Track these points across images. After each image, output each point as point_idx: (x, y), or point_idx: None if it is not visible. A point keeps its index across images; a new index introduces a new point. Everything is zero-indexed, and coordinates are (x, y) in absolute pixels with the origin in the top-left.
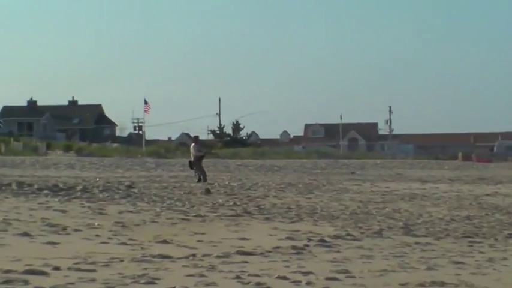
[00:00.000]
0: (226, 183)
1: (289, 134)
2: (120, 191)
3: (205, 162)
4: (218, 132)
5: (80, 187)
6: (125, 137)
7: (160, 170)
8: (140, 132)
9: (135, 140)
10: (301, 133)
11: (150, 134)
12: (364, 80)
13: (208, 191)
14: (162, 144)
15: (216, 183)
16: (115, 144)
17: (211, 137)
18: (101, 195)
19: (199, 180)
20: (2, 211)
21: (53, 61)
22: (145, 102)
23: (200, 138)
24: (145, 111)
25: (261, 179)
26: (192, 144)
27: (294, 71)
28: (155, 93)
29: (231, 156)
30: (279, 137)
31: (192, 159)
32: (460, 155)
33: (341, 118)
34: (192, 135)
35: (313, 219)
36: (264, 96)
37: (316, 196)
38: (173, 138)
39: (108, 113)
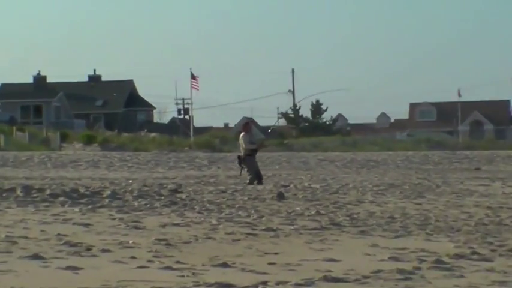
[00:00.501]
0: (306, 184)
1: (388, 117)
2: (162, 197)
3: (276, 156)
4: (292, 115)
5: (107, 192)
6: (165, 124)
7: (215, 168)
8: (187, 117)
9: (179, 127)
10: (405, 115)
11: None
12: (490, 43)
13: (281, 196)
14: (217, 133)
15: (291, 185)
16: (153, 134)
17: (282, 122)
18: (136, 203)
19: (250, 182)
20: (4, 226)
21: (67, 23)
22: (193, 77)
23: (270, 124)
24: (193, 87)
25: (352, 178)
26: (242, 134)
27: (391, 31)
28: (205, 66)
29: (310, 148)
30: (375, 121)
31: (242, 153)
32: None
33: (459, 95)
34: (259, 122)
35: (425, 233)
36: (351, 68)
37: (428, 201)
38: (231, 125)
39: (143, 91)
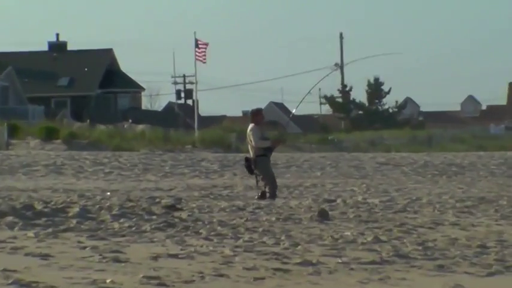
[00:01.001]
0: (360, 199)
1: (478, 103)
2: (154, 217)
3: (316, 158)
4: (340, 99)
5: (75, 210)
6: (159, 112)
7: (229, 175)
8: (189, 101)
9: (179, 117)
10: (501, 100)
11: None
12: None
13: (324, 215)
14: (232, 125)
15: (339, 200)
16: (141, 126)
17: (326, 109)
18: (116, 226)
19: (262, 195)
20: None
21: None
22: (198, 45)
23: (309, 112)
24: (198, 59)
25: (426, 190)
26: (251, 126)
27: None
28: (215, 33)
29: (366, 147)
30: (459, 108)
31: (252, 154)
32: None
33: None
34: (291, 108)
35: None
36: (424, 37)
37: None
38: None
39: (126, 66)
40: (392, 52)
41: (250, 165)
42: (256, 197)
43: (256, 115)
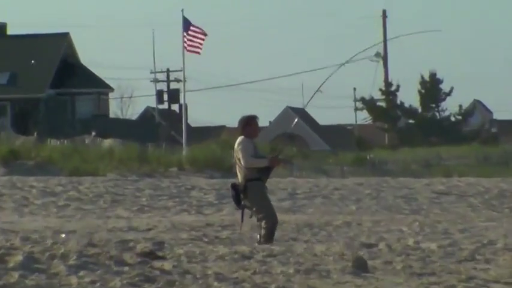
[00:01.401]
0: (410, 243)
1: None
2: (126, 268)
3: (351, 185)
4: (383, 103)
5: (18, 258)
6: (132, 121)
7: (230, 209)
8: (174, 107)
9: (160, 127)
10: None
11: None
12: None
13: (362, 265)
14: (232, 139)
15: (381, 245)
16: (108, 141)
17: (363, 117)
18: (74, 280)
19: (268, 234)
20: None
21: None
22: (187, 27)
23: (340, 122)
24: (188, 49)
25: (502, 230)
26: (240, 139)
27: None
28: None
29: (418, 170)
30: None
31: (240, 179)
32: None
33: None
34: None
35: None
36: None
37: None
38: (263, 123)
39: (87, 57)
40: (432, 29)
41: (237, 194)
42: (258, 241)
43: (247, 125)
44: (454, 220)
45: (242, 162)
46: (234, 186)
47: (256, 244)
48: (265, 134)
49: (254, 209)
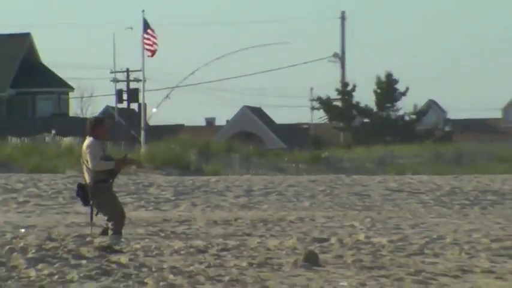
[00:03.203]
0: (361, 237)
1: None
2: (84, 262)
3: (305, 182)
4: (339, 103)
5: None
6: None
7: (187, 205)
8: (133, 106)
9: (119, 126)
10: None
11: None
12: None
13: (313, 259)
14: (192, 138)
15: (333, 239)
16: (67, 139)
17: (319, 115)
18: (33, 273)
19: (104, 232)
20: None
21: None
22: (146, 28)
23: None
24: (147, 48)
25: (451, 226)
26: (89, 141)
27: None
28: (168, 14)
29: (372, 168)
30: (499, 115)
31: (88, 179)
32: None
33: None
34: (273, 116)
35: None
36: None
37: None
38: (220, 122)
39: (48, 56)
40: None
41: (86, 194)
42: (98, 235)
43: (96, 126)
44: (406, 216)
45: (90, 165)
46: (82, 187)
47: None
48: (223, 132)
49: (102, 209)
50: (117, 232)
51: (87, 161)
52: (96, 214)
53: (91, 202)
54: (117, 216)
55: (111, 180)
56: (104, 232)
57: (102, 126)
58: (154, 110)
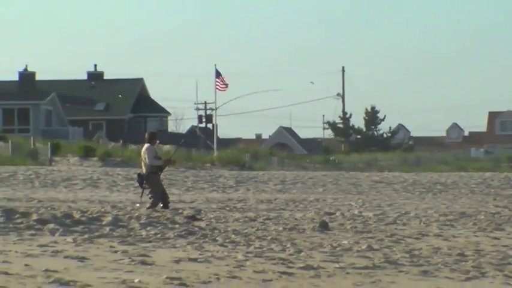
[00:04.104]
0: (356, 212)
1: (462, 130)
2: (177, 226)
3: (319, 176)
4: (341, 125)
5: (108, 218)
6: (182, 135)
7: (243, 190)
8: (209, 125)
9: (200, 139)
10: (482, 128)
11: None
12: None
13: (325, 226)
14: (247, 147)
15: (338, 213)
16: (166, 147)
17: (328, 133)
18: (144, 233)
19: (153, 205)
20: None
21: (63, 9)
22: (218, 75)
23: (314, 136)
24: (218, 88)
25: (414, 205)
26: (146, 146)
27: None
28: (232, 65)
29: (362, 167)
30: (444, 133)
31: (144, 171)
32: None
33: None
34: (299, 133)
35: (503, 275)
36: (415, 69)
37: (508, 235)
38: (265, 136)
39: (155, 93)
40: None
41: (141, 180)
42: (146, 208)
43: (151, 137)
44: (384, 198)
45: (147, 161)
46: (140, 175)
47: (143, 208)
48: (267, 143)
49: (150, 190)
50: (153, 207)
51: (145, 159)
52: (142, 195)
53: (144, 185)
54: (156, 197)
55: (159, 172)
56: (165, 206)
57: (155, 137)
58: (137, 204)
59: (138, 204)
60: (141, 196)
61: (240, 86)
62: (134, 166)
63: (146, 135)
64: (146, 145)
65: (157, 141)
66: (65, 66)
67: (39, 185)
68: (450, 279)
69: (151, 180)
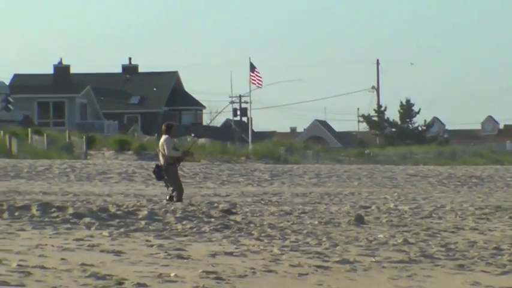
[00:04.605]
0: (391, 206)
1: (496, 123)
2: (212, 220)
3: (354, 169)
4: (376, 118)
5: (144, 212)
6: (217, 128)
7: (278, 184)
8: (244, 119)
9: (235, 132)
10: None
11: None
12: None
13: (360, 219)
14: (282, 140)
15: (373, 207)
16: (202, 140)
17: (363, 126)
18: (179, 227)
19: (170, 199)
20: (15, 252)
21: (95, 1)
22: (253, 68)
23: (348, 129)
24: (252, 82)
25: (449, 199)
26: (164, 137)
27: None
28: (266, 58)
29: (397, 160)
30: (479, 126)
31: (162, 162)
32: None
33: None
34: (334, 126)
35: None
36: (451, 61)
37: None
38: (299, 129)
39: (189, 86)
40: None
41: (160, 172)
42: (165, 200)
43: (169, 128)
44: (419, 192)
45: (166, 152)
46: (158, 166)
47: (164, 202)
48: (302, 136)
49: (171, 183)
50: (179, 200)
51: (164, 150)
52: (167, 187)
53: (164, 177)
54: (179, 189)
55: (177, 164)
56: (170, 199)
57: (173, 128)
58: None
59: (174, 199)
60: (167, 187)
61: (273, 78)
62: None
63: (163, 127)
64: (164, 136)
65: (174, 132)
66: (99, 59)
67: (75, 178)
68: (486, 273)
69: (170, 172)
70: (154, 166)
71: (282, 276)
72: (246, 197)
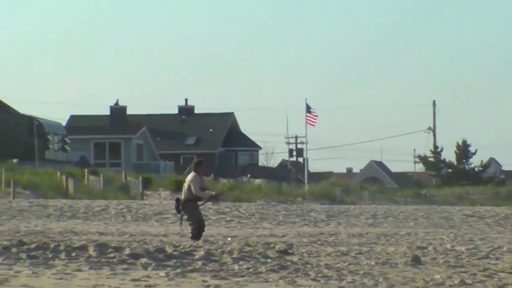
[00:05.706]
0: (448, 246)
1: None
2: (269, 260)
3: (411, 210)
4: (432, 159)
5: (200, 253)
6: (273, 168)
7: (334, 224)
8: (300, 159)
9: (291, 172)
10: None
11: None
12: None
13: (417, 260)
14: (338, 181)
15: (430, 247)
16: (258, 180)
17: (419, 167)
18: (236, 267)
19: (194, 236)
20: None
21: (153, 43)
22: (309, 110)
23: (404, 170)
24: (308, 122)
25: (506, 239)
26: (192, 174)
27: None
28: (321, 98)
29: (454, 201)
30: None
31: (183, 197)
32: None
33: None
34: (390, 166)
35: None
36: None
37: None
38: (355, 170)
39: (245, 127)
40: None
41: (178, 206)
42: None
43: (198, 166)
44: (476, 232)
45: (193, 190)
46: (178, 200)
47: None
48: (358, 177)
49: (188, 217)
50: (194, 237)
51: (189, 186)
52: (181, 223)
53: (182, 212)
54: (196, 227)
55: (198, 202)
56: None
57: (201, 166)
58: (229, 238)
59: (229, 239)
60: (181, 223)
61: (330, 120)
62: (225, 200)
63: (193, 164)
64: (192, 174)
65: (203, 170)
66: (156, 101)
67: (131, 219)
68: None
69: (188, 208)
70: (175, 200)
71: None
72: (303, 237)
